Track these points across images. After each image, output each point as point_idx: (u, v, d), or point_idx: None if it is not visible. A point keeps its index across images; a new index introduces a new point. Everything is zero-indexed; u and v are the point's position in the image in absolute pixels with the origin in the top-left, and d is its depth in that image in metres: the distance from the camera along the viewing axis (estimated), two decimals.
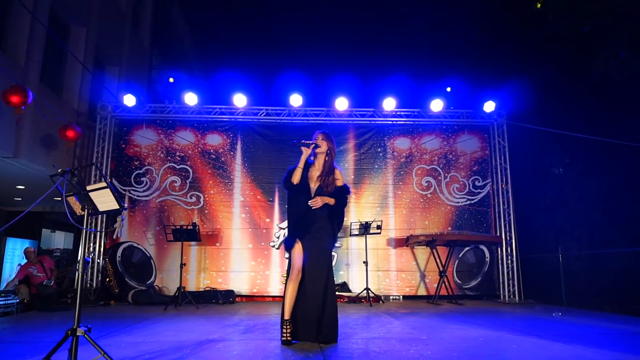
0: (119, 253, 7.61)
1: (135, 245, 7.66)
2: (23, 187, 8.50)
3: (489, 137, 8.36)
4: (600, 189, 8.08)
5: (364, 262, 7.08)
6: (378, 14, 16.17)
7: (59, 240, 12.88)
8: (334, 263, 7.75)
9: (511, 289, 7.68)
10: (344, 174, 8.01)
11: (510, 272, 7.77)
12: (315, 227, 3.49)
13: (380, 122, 8.27)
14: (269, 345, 3.53)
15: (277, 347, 3.42)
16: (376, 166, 8.13)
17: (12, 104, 5.50)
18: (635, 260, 5.57)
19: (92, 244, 7.58)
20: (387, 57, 14.29)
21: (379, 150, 8.20)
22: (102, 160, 7.81)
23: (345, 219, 7.75)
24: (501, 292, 7.72)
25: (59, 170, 2.66)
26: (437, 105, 8.07)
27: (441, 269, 6.94)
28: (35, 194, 8.59)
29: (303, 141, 3.59)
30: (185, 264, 6.89)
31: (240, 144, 8.09)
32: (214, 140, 8.10)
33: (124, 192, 7.70)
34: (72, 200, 2.82)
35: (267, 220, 7.81)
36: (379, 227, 7.05)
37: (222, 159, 8.02)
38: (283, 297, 3.53)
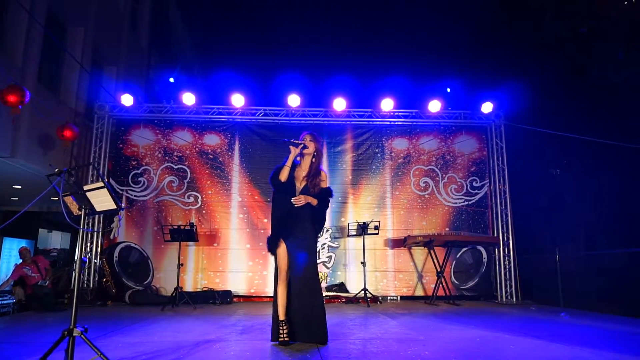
0: (116, 253, 7.58)
1: (132, 245, 7.63)
2: (20, 187, 8.48)
3: (486, 138, 8.38)
4: (598, 189, 8.11)
5: (361, 263, 7.07)
6: (376, 14, 16.21)
7: (56, 240, 12.83)
8: (331, 264, 7.76)
9: (508, 290, 7.70)
10: (342, 174, 8.07)
11: (507, 272, 7.78)
12: (299, 227, 3.51)
13: (378, 122, 8.27)
14: (267, 345, 3.53)
15: (274, 347, 3.42)
16: (374, 167, 8.14)
17: (9, 104, 5.48)
18: (632, 261, 5.58)
19: (89, 244, 7.55)
20: (385, 58, 14.34)
21: (377, 150, 8.20)
22: (99, 160, 7.77)
23: (343, 219, 7.84)
24: (498, 293, 7.73)
25: (56, 170, 2.65)
26: (435, 106, 8.08)
27: (439, 269, 6.95)
28: (32, 193, 8.54)
29: (292, 140, 3.63)
30: (182, 264, 6.88)
31: (238, 144, 8.07)
32: (212, 140, 8.09)
33: (121, 192, 7.67)
34: (69, 200, 2.81)
35: (265, 220, 7.80)
36: (376, 228, 7.06)
37: (220, 159, 8.01)
38: (274, 298, 3.54)
